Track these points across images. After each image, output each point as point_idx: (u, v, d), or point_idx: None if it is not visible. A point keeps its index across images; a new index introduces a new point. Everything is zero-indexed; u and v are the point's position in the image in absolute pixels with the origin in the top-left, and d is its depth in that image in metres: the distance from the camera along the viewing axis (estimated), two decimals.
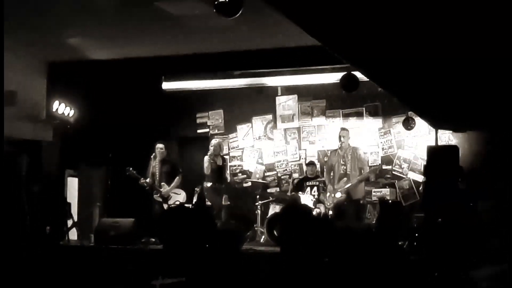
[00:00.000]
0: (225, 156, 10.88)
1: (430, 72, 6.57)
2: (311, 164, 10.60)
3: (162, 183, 10.09)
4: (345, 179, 9.60)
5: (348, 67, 8.42)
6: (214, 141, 10.38)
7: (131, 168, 10.04)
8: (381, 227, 8.28)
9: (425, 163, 9.02)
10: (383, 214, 8.67)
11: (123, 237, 9.15)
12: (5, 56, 6.40)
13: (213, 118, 11.92)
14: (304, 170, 10.95)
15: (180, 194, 10.14)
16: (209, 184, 10.11)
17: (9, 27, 6.69)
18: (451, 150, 8.41)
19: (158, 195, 10.06)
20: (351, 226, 8.58)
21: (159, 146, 10.19)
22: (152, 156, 10.19)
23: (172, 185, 10.09)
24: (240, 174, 11.71)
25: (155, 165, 10.17)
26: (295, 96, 11.44)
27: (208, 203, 10.20)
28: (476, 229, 7.17)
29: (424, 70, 6.50)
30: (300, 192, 10.07)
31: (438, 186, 7.89)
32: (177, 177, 10.18)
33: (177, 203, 9.83)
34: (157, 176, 10.13)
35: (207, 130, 11.94)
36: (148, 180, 10.08)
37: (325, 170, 10.28)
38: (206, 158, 10.13)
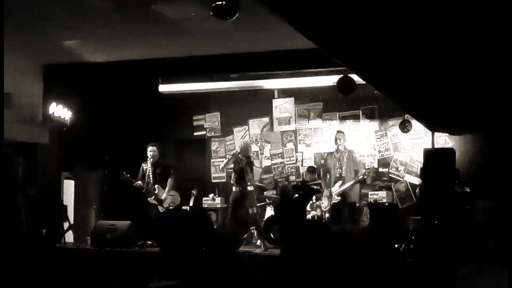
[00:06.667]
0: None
1: (426, 75, 6.57)
2: (311, 171, 10.55)
3: (156, 186, 10.03)
4: (340, 182, 9.60)
5: (345, 70, 8.42)
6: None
7: (124, 172, 9.98)
8: (376, 229, 8.28)
9: (421, 165, 9.03)
10: (374, 218, 8.66)
11: (120, 240, 9.15)
12: None
13: (210, 121, 11.90)
14: (301, 173, 10.93)
15: (174, 195, 10.09)
16: None
17: (5, 29, 6.67)
18: (448, 152, 8.40)
19: (153, 197, 10.00)
20: (347, 229, 8.58)
21: (151, 148, 10.09)
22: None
23: (167, 188, 10.02)
24: None
25: (147, 167, 10.09)
26: (292, 98, 11.43)
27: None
28: (473, 232, 7.18)
29: (420, 72, 6.50)
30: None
31: (435, 188, 7.88)
32: (170, 179, 10.08)
33: (173, 205, 9.81)
34: (150, 178, 10.03)
35: (203, 132, 11.92)
36: (139, 182, 9.98)
37: (321, 173, 10.27)
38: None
